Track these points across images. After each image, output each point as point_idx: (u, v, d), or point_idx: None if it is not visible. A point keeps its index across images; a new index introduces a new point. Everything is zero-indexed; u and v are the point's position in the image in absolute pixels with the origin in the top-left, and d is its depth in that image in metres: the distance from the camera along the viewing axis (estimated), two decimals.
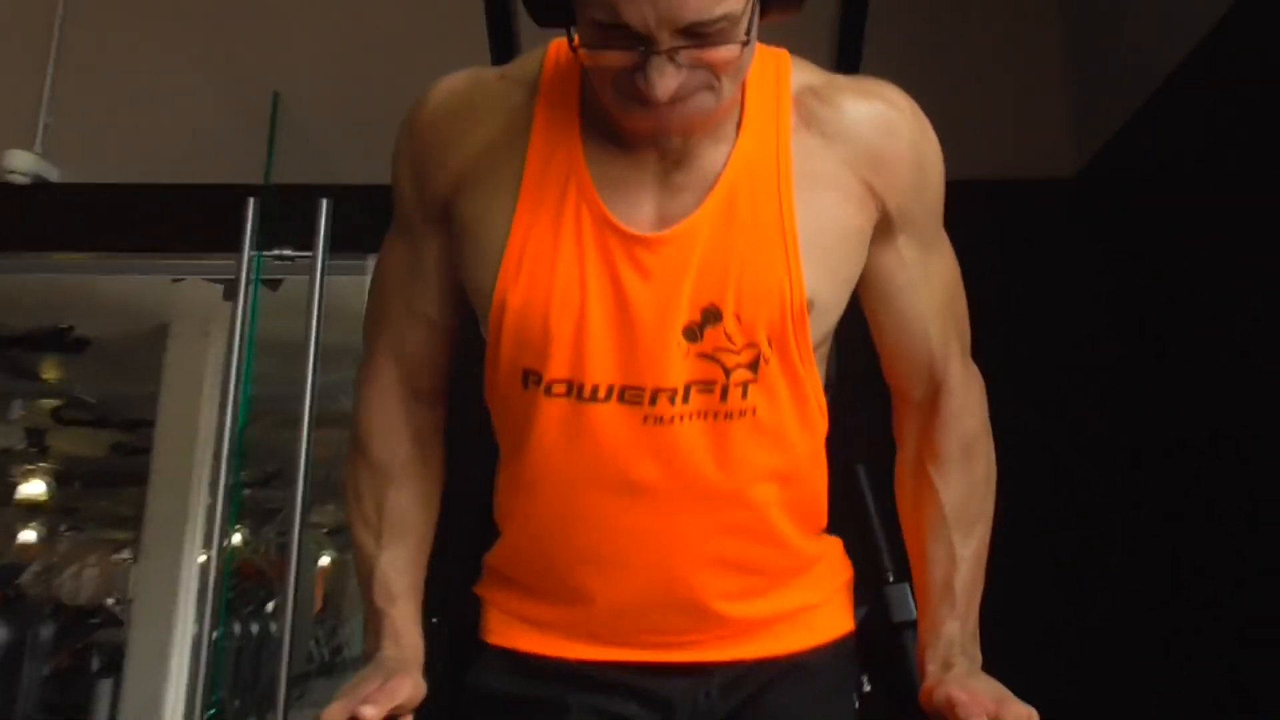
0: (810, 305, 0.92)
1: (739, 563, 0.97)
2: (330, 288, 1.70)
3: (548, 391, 0.93)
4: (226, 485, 1.60)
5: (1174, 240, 2.01)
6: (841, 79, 0.99)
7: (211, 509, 1.66)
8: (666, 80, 0.82)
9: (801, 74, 0.98)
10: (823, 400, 0.99)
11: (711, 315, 0.91)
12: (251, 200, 1.59)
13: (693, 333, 0.91)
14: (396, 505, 1.07)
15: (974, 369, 1.10)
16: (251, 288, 1.67)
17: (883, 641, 1.13)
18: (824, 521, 1.05)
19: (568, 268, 0.92)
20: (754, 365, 0.92)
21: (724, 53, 0.83)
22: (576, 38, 0.86)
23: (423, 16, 2.56)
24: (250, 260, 1.59)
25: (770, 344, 0.92)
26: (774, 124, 0.95)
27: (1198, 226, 1.91)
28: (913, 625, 1.11)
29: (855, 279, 0.99)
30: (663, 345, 0.91)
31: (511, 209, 0.93)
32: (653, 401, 0.92)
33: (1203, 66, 1.88)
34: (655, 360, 0.91)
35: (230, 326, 1.72)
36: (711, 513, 0.95)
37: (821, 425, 1.00)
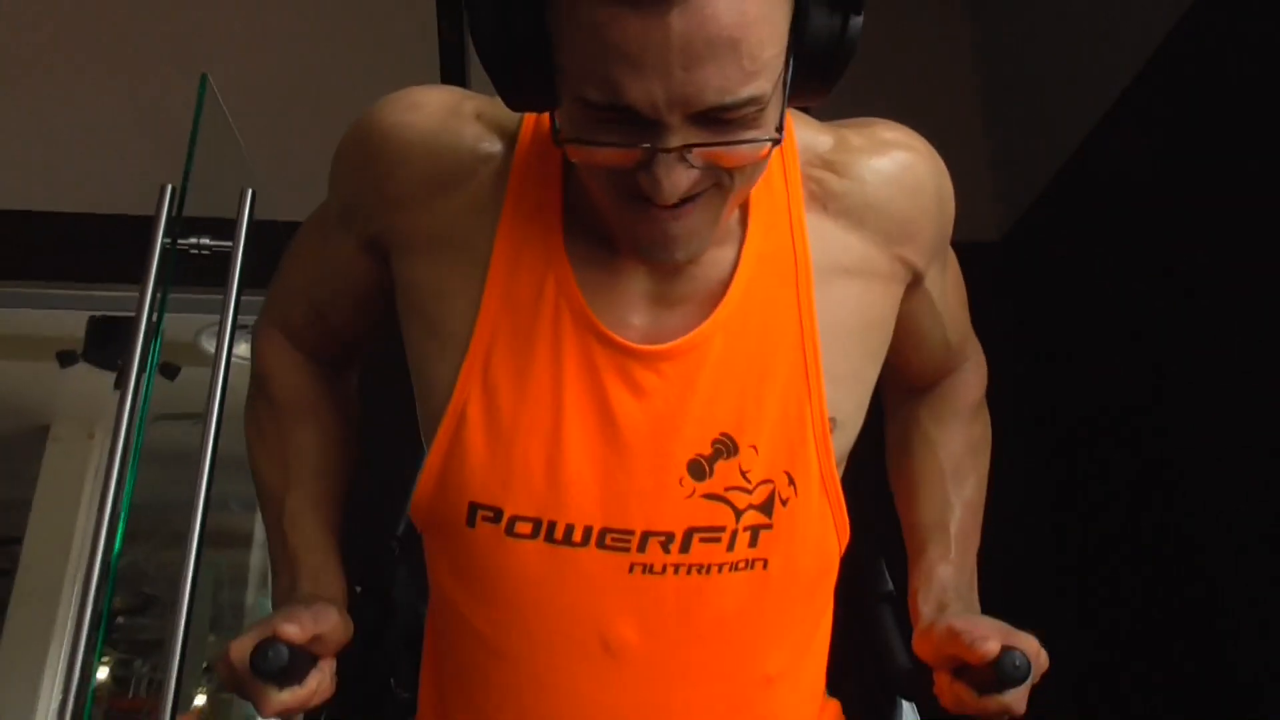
0: (833, 424, 0.80)
1: None
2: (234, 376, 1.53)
3: (510, 531, 0.77)
4: (95, 610, 1.36)
5: (1095, 302, 2.03)
6: (850, 134, 0.86)
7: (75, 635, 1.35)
8: (675, 180, 0.66)
9: (804, 134, 0.85)
10: (844, 541, 0.85)
11: (725, 447, 0.77)
12: (169, 187, 1.45)
13: (700, 468, 0.77)
14: (305, 442, 0.95)
15: (978, 345, 1.06)
16: (159, 313, 1.50)
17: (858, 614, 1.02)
18: (824, 683, 0.90)
19: (542, 378, 0.77)
20: (768, 506, 0.78)
21: (747, 152, 0.68)
22: (561, 127, 0.70)
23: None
24: (163, 251, 1.43)
25: (791, 480, 0.78)
26: (785, 211, 0.82)
27: (1116, 288, 1.95)
28: (889, 597, 1.04)
29: (877, 374, 0.88)
30: (660, 481, 0.77)
31: (476, 294, 0.79)
32: (642, 548, 0.77)
33: (1113, 133, 1.97)
34: (649, 499, 0.77)
35: (122, 385, 1.53)
36: (704, 684, 0.80)
37: (834, 573, 0.86)
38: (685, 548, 0.76)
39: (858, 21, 0.68)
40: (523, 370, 0.77)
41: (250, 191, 1.48)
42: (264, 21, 2.60)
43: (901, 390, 1.05)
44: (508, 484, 0.77)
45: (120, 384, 3.33)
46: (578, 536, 0.76)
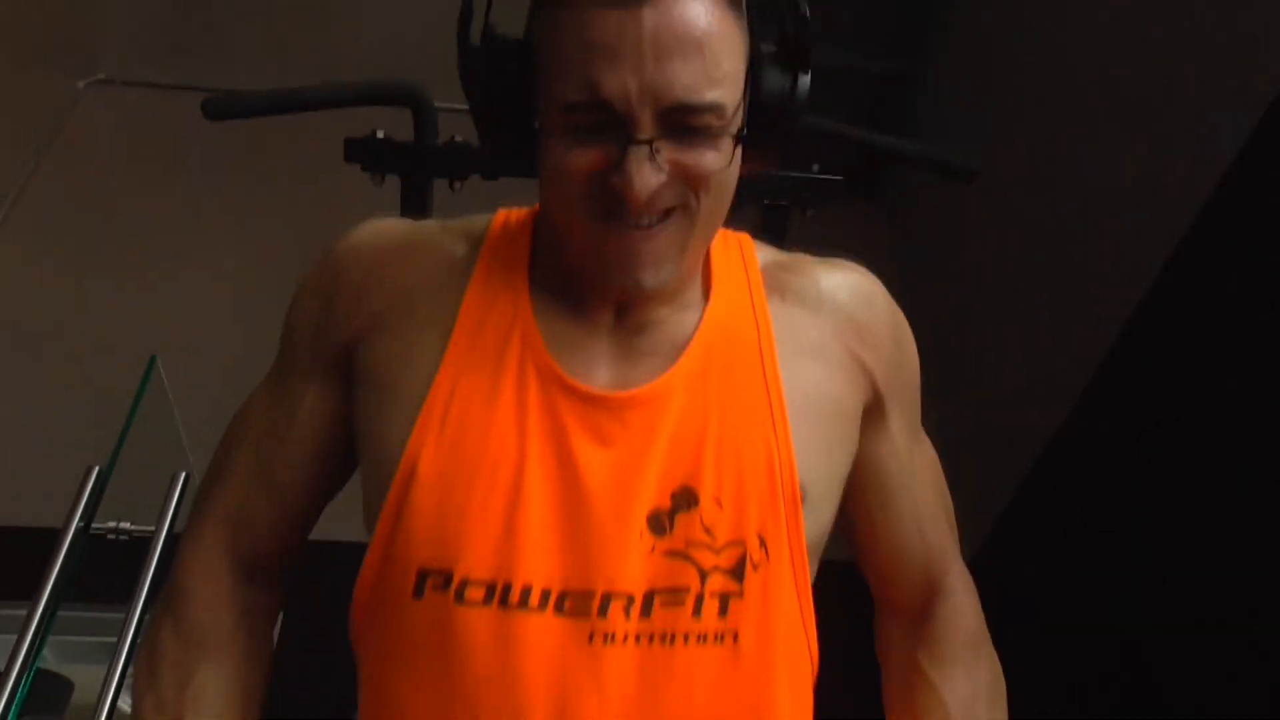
0: (804, 494, 0.78)
1: None
2: None
3: (459, 598, 0.72)
4: None
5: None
6: (805, 256, 0.91)
7: None
8: (645, 177, 0.70)
9: (765, 253, 0.90)
10: (814, 632, 0.81)
11: (685, 499, 0.75)
12: (95, 469, 1.34)
13: (659, 522, 0.74)
14: (208, 687, 0.81)
15: (968, 575, 0.98)
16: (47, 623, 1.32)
17: None
18: None
19: (504, 429, 0.75)
20: (738, 571, 0.74)
21: (710, 157, 0.73)
22: (545, 134, 0.74)
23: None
24: (75, 538, 1.29)
25: (762, 543, 0.75)
26: (746, 290, 0.85)
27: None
28: None
29: (848, 469, 0.86)
30: (621, 536, 0.73)
31: (438, 355, 0.78)
32: (602, 612, 0.71)
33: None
34: (609, 554, 0.72)
35: None
36: None
37: (812, 666, 0.81)
38: (646, 611, 0.72)
39: (805, 79, 0.76)
40: (482, 422, 0.76)
41: (184, 474, 1.37)
42: (211, 311, 2.62)
43: (888, 613, 0.97)
44: (460, 542, 0.73)
45: None
46: (534, 600, 0.71)
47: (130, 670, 1.26)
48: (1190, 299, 1.78)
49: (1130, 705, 1.86)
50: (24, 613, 1.24)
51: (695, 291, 0.84)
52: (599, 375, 0.79)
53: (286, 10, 3.09)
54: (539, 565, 0.72)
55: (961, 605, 0.95)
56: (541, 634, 0.71)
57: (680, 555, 0.73)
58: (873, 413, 0.87)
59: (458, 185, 1.32)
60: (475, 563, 0.72)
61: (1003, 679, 0.94)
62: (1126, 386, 1.94)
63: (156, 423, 1.40)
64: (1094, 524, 2.01)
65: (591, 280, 0.79)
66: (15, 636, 1.22)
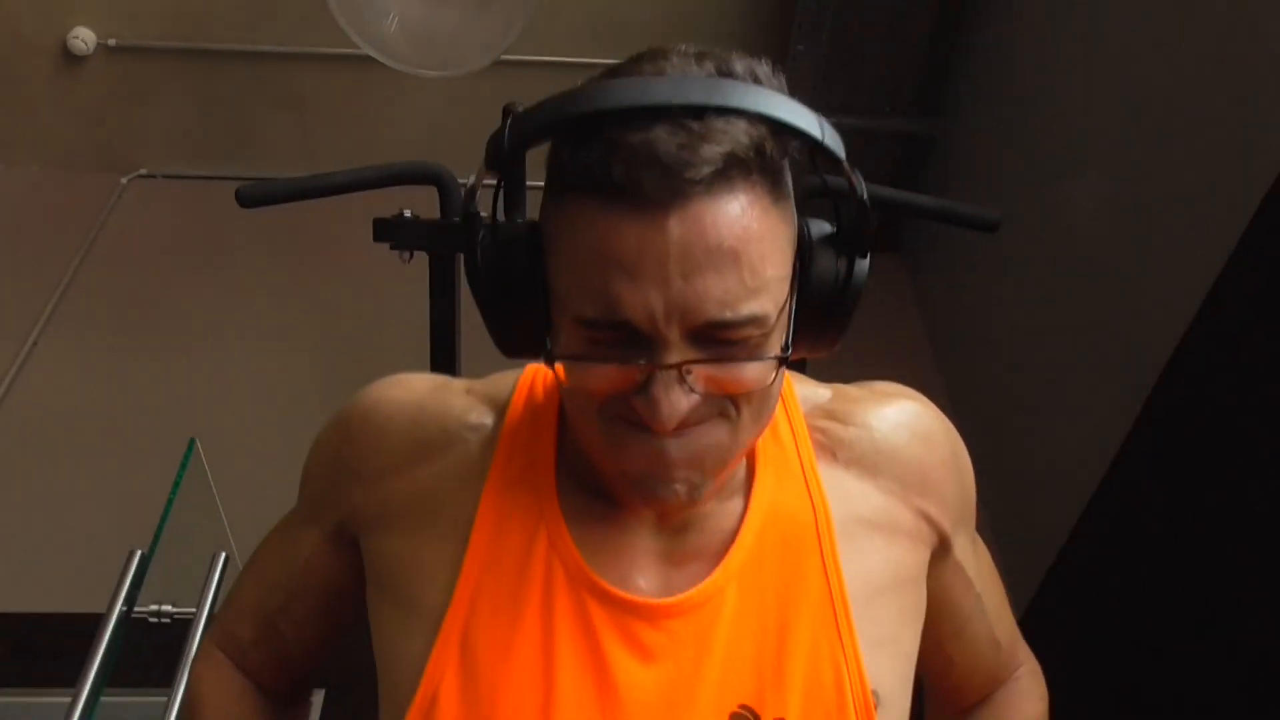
0: (877, 700, 0.69)
1: None
2: None
3: None
4: None
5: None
6: (846, 388, 0.82)
7: None
8: (674, 401, 0.60)
9: (801, 387, 0.80)
10: None
11: None
12: (138, 553, 1.36)
13: None
14: None
15: (1030, 653, 0.94)
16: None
17: None
18: None
19: (529, 650, 0.68)
20: None
21: (750, 373, 0.62)
22: (557, 356, 0.65)
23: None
24: (117, 618, 1.30)
25: None
26: (796, 460, 0.75)
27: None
28: None
29: (918, 644, 0.77)
30: None
31: (456, 562, 0.71)
32: None
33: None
34: None
35: None
36: None
37: None
38: None
39: (864, 265, 0.65)
40: (507, 640, 0.68)
41: (224, 555, 1.38)
42: (249, 394, 2.65)
43: (947, 711, 0.92)
44: None
45: None
46: None
47: None
48: (1223, 346, 1.76)
49: None
50: (68, 700, 1.25)
51: (738, 471, 0.74)
52: (640, 579, 0.71)
53: (313, 103, 3.19)
54: None
55: (1026, 687, 0.92)
56: None
57: None
58: (939, 553, 0.80)
59: None
60: None
61: None
62: (1165, 435, 1.91)
63: (196, 504, 1.42)
64: (1141, 572, 1.97)
65: (621, 496, 0.71)
66: None
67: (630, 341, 0.60)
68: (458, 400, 0.78)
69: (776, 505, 0.73)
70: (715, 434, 0.64)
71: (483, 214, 0.66)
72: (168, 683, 1.29)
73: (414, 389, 0.79)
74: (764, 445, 0.74)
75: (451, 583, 0.70)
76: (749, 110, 0.58)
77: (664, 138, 0.56)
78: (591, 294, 0.60)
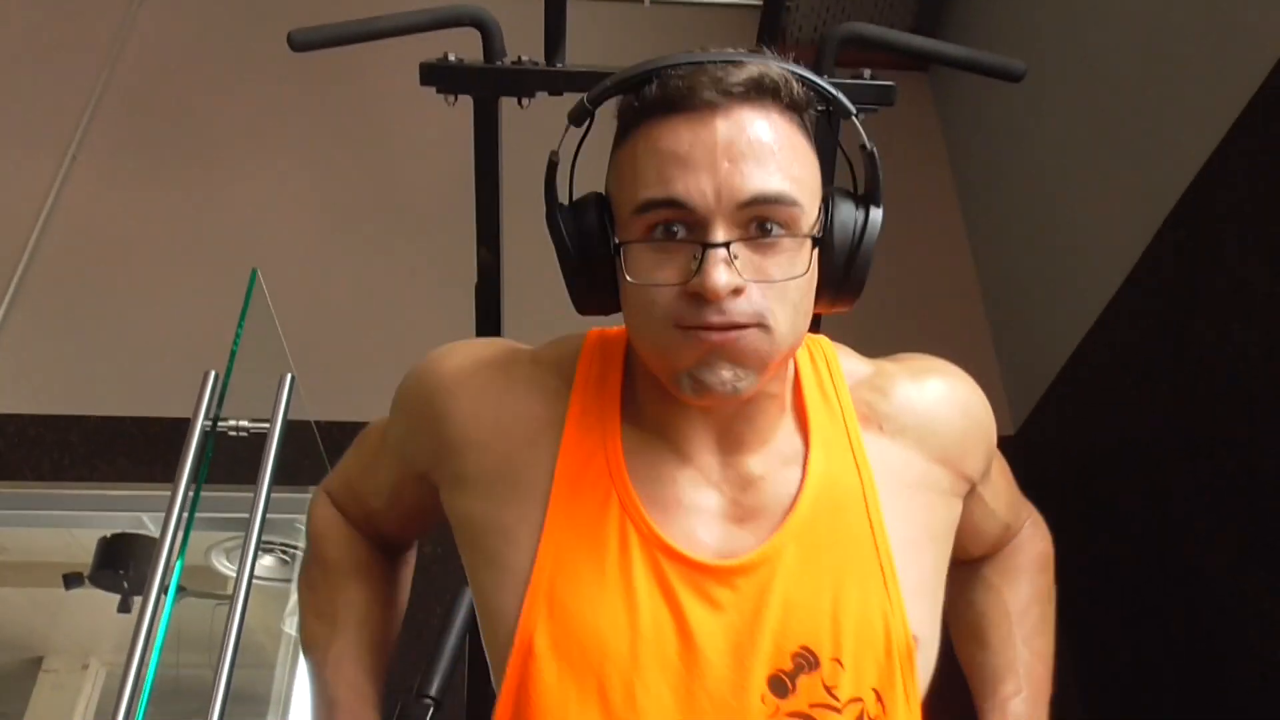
0: (916, 643, 0.78)
1: None
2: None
3: None
4: None
5: (1100, 493, 2.19)
6: (884, 363, 0.91)
7: None
8: (722, 272, 0.71)
9: (845, 361, 0.89)
10: None
11: (806, 660, 0.74)
12: (212, 373, 1.49)
13: (781, 684, 0.73)
14: (355, 599, 0.97)
15: (1031, 507, 1.05)
16: (190, 511, 1.49)
17: None
18: None
19: (613, 602, 0.76)
20: None
21: (785, 262, 0.74)
22: (624, 263, 0.76)
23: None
24: (202, 434, 1.45)
25: (880, 699, 0.75)
26: (843, 432, 0.84)
27: (1123, 468, 2.12)
28: None
29: (944, 590, 0.85)
30: (742, 696, 0.73)
31: (537, 525, 0.79)
32: None
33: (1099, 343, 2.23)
34: (732, 717, 0.73)
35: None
36: None
37: None
38: None
39: (878, 214, 0.79)
40: (592, 596, 0.75)
41: (290, 376, 1.52)
42: (309, 227, 2.73)
43: (962, 563, 1.02)
44: (582, 714, 0.73)
45: (126, 604, 3.21)
46: None
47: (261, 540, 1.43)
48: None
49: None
50: (168, 493, 1.40)
51: (793, 442, 0.83)
52: (705, 537, 0.78)
53: None
54: None
55: (1030, 533, 1.03)
56: None
57: (804, 717, 0.73)
58: (968, 496, 0.90)
59: (525, 102, 1.41)
60: None
61: (1054, 595, 1.01)
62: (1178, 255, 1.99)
63: (256, 335, 1.53)
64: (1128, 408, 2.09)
65: (678, 392, 0.77)
66: (163, 515, 1.39)
67: (685, 228, 0.73)
68: (525, 371, 0.87)
69: (829, 474, 0.81)
70: (755, 340, 0.73)
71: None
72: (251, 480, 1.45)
73: (486, 359, 0.88)
74: (817, 418, 0.84)
75: (533, 544, 0.78)
76: (775, 66, 0.76)
77: (710, 68, 0.74)
78: (651, 181, 0.74)
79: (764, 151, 0.73)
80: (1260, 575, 1.69)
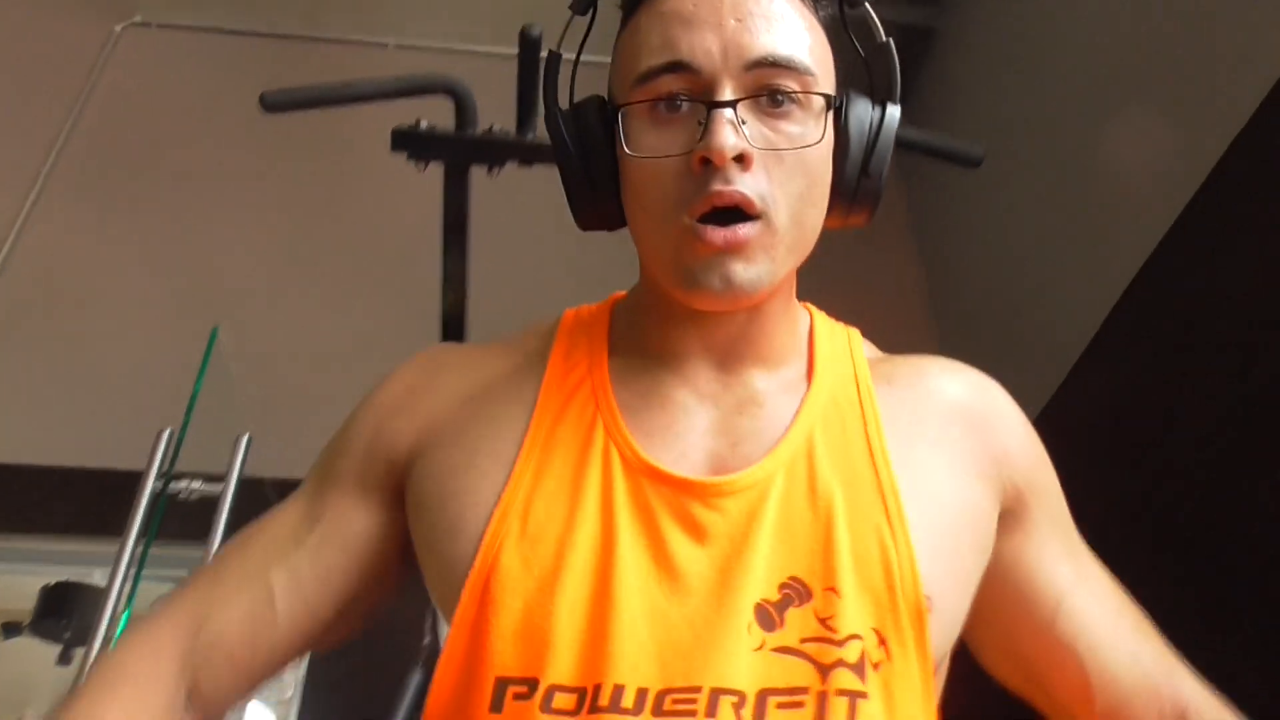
0: (930, 604, 0.69)
1: None
2: None
3: (546, 707, 0.64)
4: None
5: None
6: (899, 357, 0.85)
7: None
8: (728, 134, 0.67)
9: (872, 349, 0.85)
10: None
11: (795, 591, 0.67)
12: (167, 431, 1.46)
13: (768, 615, 0.66)
14: None
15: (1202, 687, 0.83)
16: (138, 566, 1.46)
17: None
18: None
19: (589, 523, 0.70)
20: (860, 667, 0.65)
21: (796, 129, 0.70)
22: (626, 135, 0.72)
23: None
24: (152, 495, 1.42)
25: (882, 642, 0.66)
26: (851, 374, 0.79)
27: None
28: None
29: (978, 577, 0.75)
30: (725, 628, 0.65)
31: (513, 452, 0.74)
32: (712, 711, 0.63)
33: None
34: (714, 648, 0.65)
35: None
36: None
37: None
38: (763, 714, 0.63)
39: (895, 111, 0.75)
40: (567, 518, 0.70)
41: (247, 436, 1.50)
42: (272, 284, 2.69)
43: None
44: (546, 647, 0.65)
45: (67, 655, 3.11)
46: (628, 702, 0.63)
47: None
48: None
49: None
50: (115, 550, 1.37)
51: (797, 370, 0.79)
52: (693, 459, 0.73)
53: None
54: (635, 665, 0.65)
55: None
56: None
57: (794, 653, 0.65)
58: (1015, 517, 0.79)
59: (495, 171, 1.42)
60: (563, 668, 0.65)
61: None
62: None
63: (213, 388, 1.51)
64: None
65: (684, 294, 0.73)
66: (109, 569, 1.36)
67: (689, 93, 0.70)
68: (503, 341, 0.85)
69: (831, 406, 0.76)
70: (761, 234, 0.70)
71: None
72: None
73: (460, 346, 0.86)
74: (825, 357, 0.79)
75: (508, 470, 0.72)
76: None
77: None
78: (655, 47, 0.71)
79: (774, 13, 0.71)
80: None
